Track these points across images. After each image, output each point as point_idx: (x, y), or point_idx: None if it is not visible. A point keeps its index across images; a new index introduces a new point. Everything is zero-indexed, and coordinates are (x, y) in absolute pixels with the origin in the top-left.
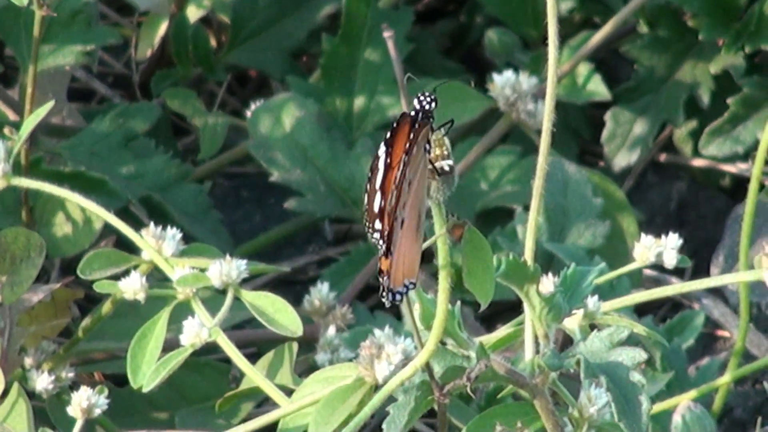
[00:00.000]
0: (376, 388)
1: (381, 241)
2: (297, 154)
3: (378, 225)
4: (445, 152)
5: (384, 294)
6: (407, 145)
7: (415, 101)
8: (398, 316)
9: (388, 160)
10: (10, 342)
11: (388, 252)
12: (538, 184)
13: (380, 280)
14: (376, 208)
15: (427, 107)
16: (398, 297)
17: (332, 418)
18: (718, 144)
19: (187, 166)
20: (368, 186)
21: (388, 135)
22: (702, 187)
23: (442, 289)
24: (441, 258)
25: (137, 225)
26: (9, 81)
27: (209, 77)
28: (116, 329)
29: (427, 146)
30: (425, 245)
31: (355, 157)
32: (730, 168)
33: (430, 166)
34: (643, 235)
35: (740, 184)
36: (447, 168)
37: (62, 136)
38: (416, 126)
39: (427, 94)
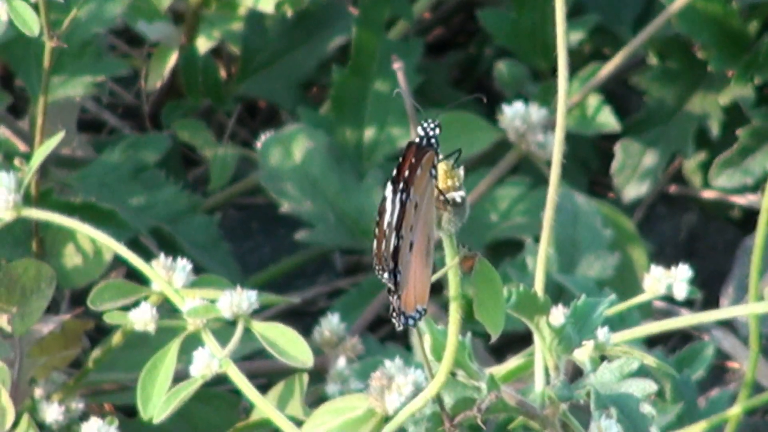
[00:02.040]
0: (387, 419)
1: (394, 283)
2: (307, 185)
3: (391, 266)
4: (457, 183)
5: (395, 316)
6: (410, 167)
7: (419, 129)
8: (408, 348)
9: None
10: (20, 373)
11: (398, 290)
12: (548, 215)
13: (392, 310)
14: (392, 249)
15: (431, 133)
16: (410, 321)
17: None
18: (728, 175)
19: (197, 197)
20: (377, 229)
21: (395, 171)
22: (712, 219)
23: (452, 320)
24: (452, 289)
25: (147, 256)
26: (19, 112)
27: (219, 108)
28: (126, 360)
29: (433, 171)
30: (436, 276)
31: (366, 188)
32: (739, 199)
33: (439, 196)
34: (653, 266)
35: (750, 215)
36: (459, 199)
37: (72, 167)
38: (420, 150)
39: (430, 121)
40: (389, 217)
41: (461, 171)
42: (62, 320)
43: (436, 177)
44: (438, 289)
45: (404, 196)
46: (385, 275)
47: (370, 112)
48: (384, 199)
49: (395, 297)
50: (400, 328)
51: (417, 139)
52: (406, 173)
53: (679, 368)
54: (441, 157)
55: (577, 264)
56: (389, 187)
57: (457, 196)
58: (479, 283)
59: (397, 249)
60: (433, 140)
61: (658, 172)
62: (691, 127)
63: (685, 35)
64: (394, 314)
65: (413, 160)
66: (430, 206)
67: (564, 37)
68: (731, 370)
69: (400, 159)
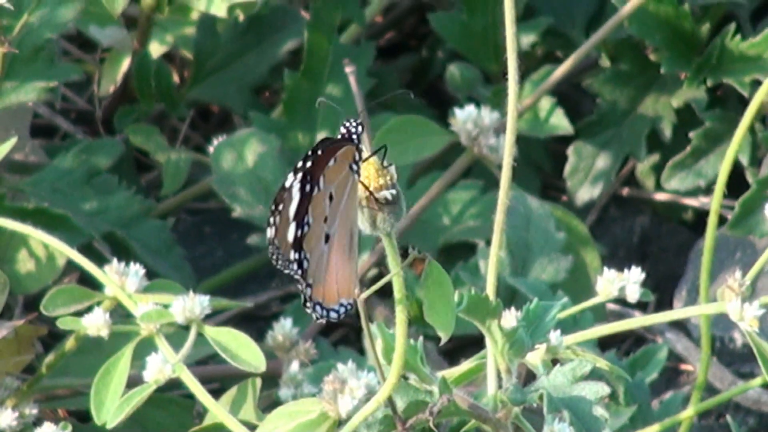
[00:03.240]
0: (340, 423)
1: (299, 271)
2: (259, 189)
3: (294, 255)
4: (390, 182)
5: (308, 306)
6: (317, 158)
7: (342, 127)
8: (361, 351)
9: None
10: None
11: (305, 278)
12: (499, 218)
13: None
14: (290, 238)
15: (353, 130)
16: (333, 315)
17: None
18: (681, 178)
19: (150, 201)
20: (274, 218)
21: (300, 163)
22: (664, 221)
23: (399, 322)
24: (396, 291)
25: (100, 261)
26: None
27: (172, 113)
28: (80, 365)
29: (354, 167)
30: (384, 280)
31: None
32: (692, 202)
33: (371, 196)
34: (605, 269)
35: (702, 217)
36: (390, 197)
37: (25, 172)
38: (335, 143)
39: (353, 120)
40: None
41: (393, 169)
42: (15, 325)
43: (358, 173)
44: (390, 292)
45: (309, 186)
46: (293, 266)
47: (323, 116)
48: (282, 188)
49: (306, 286)
50: (318, 320)
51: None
52: (309, 164)
53: (632, 371)
54: (366, 155)
55: (529, 267)
56: (290, 176)
57: (388, 194)
58: (429, 286)
59: (301, 237)
60: (354, 137)
61: (611, 175)
62: (644, 129)
63: (637, 37)
64: (308, 304)
65: (320, 152)
66: (352, 201)
67: (513, 40)
68: (685, 373)
69: (309, 152)
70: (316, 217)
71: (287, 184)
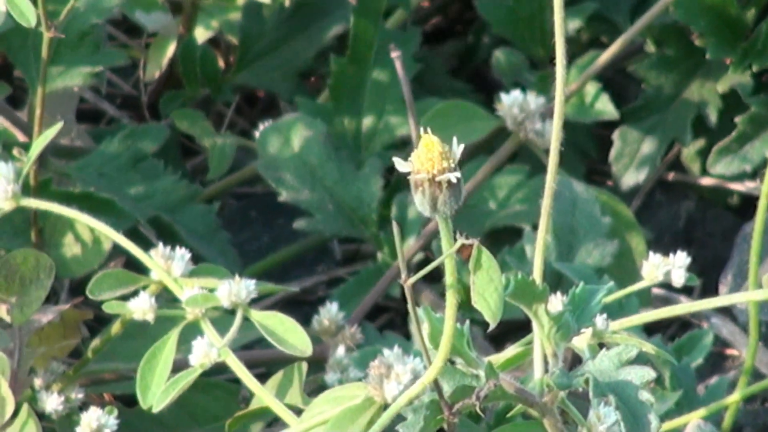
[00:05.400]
0: (385, 407)
1: None
2: (305, 174)
3: None
4: (452, 165)
5: None
6: None
7: None
8: (407, 336)
9: None
10: (20, 363)
11: None
12: (546, 203)
13: None
14: None
15: None
16: None
17: None
18: (726, 163)
19: (195, 186)
20: None
21: None
22: (710, 206)
23: (449, 306)
24: (448, 276)
25: (146, 246)
26: (18, 102)
27: (217, 98)
28: (125, 350)
29: None
30: (434, 264)
31: (364, 177)
32: (738, 186)
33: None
34: (651, 253)
35: (748, 202)
36: (454, 180)
37: (71, 157)
38: None
39: None
40: None
41: (457, 151)
42: (61, 310)
43: None
44: (437, 277)
45: None
46: None
47: (368, 101)
48: None
49: None
50: None
51: None
52: None
53: (678, 356)
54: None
55: (575, 252)
56: None
57: (453, 176)
58: (477, 271)
59: None
60: None
61: (657, 160)
62: (689, 114)
63: (682, 23)
64: None
65: None
66: None
67: (561, 25)
68: (730, 358)
69: None
70: None
71: None
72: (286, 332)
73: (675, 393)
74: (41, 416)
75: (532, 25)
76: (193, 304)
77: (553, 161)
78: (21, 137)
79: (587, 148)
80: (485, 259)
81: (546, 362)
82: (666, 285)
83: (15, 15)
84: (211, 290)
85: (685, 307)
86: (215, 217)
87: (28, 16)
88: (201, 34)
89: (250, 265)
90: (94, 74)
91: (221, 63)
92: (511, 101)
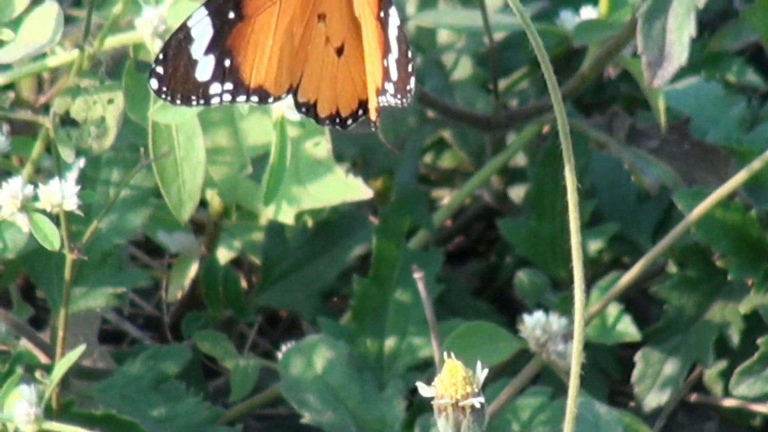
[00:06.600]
0: None
1: None
2: (328, 395)
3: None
4: (475, 389)
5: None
6: None
7: None
8: None
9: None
10: None
11: None
12: (568, 427)
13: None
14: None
15: None
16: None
17: None
18: (749, 384)
19: (217, 408)
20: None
21: None
22: (732, 427)
23: None
24: None
25: None
26: (40, 324)
27: (240, 319)
28: None
29: None
30: None
31: (387, 398)
32: (760, 408)
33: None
34: None
35: None
36: (477, 405)
37: (93, 378)
38: None
39: None
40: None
41: (480, 376)
42: None
43: None
44: None
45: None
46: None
47: (391, 322)
48: None
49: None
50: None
51: None
52: None
53: None
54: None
55: None
56: None
57: (476, 401)
58: None
59: None
60: None
61: (679, 381)
62: (711, 335)
63: (704, 244)
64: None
65: None
66: None
67: (579, 249)
68: None
69: None
70: None
71: None
72: None
73: None
74: None
75: (553, 246)
76: None
77: (573, 385)
78: (43, 359)
79: (610, 369)
80: None
81: None
82: None
83: (39, 238)
84: None
85: None
86: None
87: (53, 239)
88: (223, 255)
89: None
90: (117, 295)
91: (244, 283)
92: (533, 323)
